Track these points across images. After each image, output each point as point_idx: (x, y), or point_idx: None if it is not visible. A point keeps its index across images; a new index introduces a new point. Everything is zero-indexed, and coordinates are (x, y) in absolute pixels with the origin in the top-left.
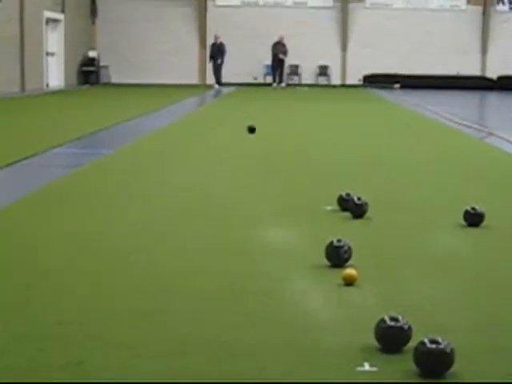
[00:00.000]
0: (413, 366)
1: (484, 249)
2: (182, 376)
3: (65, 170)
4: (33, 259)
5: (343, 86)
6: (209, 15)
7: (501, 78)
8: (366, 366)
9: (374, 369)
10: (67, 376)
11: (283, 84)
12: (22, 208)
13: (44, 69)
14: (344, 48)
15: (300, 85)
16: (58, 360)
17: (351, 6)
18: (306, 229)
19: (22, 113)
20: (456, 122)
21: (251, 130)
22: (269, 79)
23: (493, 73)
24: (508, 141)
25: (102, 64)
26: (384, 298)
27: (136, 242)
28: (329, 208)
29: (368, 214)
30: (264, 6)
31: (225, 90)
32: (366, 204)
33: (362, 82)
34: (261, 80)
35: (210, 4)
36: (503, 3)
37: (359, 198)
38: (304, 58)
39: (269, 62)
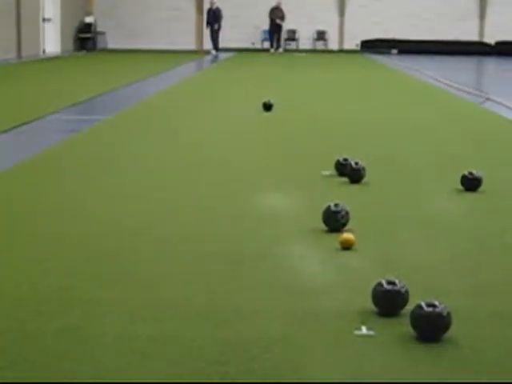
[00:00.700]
0: (410, 329)
1: (481, 213)
2: (178, 341)
3: (63, 135)
4: (31, 224)
5: (341, 51)
6: None
7: (499, 44)
8: (364, 330)
9: (371, 332)
10: (66, 339)
11: (281, 49)
12: (20, 173)
13: (40, 35)
14: (342, 13)
15: (298, 50)
16: (56, 324)
17: None
18: (303, 194)
19: (19, 79)
20: (454, 88)
21: (267, 107)
22: (266, 45)
23: (491, 38)
24: (505, 106)
25: (98, 30)
26: (381, 261)
27: (133, 207)
28: (326, 173)
29: (365, 179)
30: None
31: (222, 55)
32: (363, 169)
33: (359, 48)
34: (258, 45)
35: None
36: None
37: (356, 163)
38: (301, 23)
39: (266, 27)
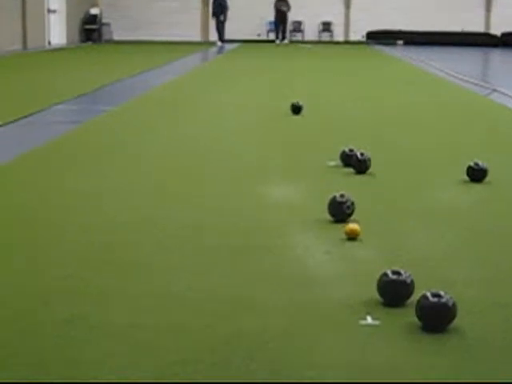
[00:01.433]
0: (415, 320)
1: (487, 204)
2: (183, 330)
3: (68, 126)
4: (34, 214)
5: (346, 42)
6: None
7: (505, 35)
8: (369, 320)
9: (377, 322)
10: (71, 330)
11: (286, 41)
12: (25, 164)
13: (46, 26)
14: (347, 4)
15: (303, 42)
16: (62, 314)
17: None
18: (309, 184)
19: (25, 70)
20: (460, 79)
21: (296, 109)
22: (272, 36)
23: (497, 29)
24: None
25: (103, 21)
26: (387, 252)
27: (138, 198)
28: (332, 163)
29: (371, 170)
30: None
31: (228, 46)
32: (368, 159)
33: (365, 39)
34: (264, 37)
35: None
36: None
37: (362, 154)
38: (307, 14)
39: (272, 18)
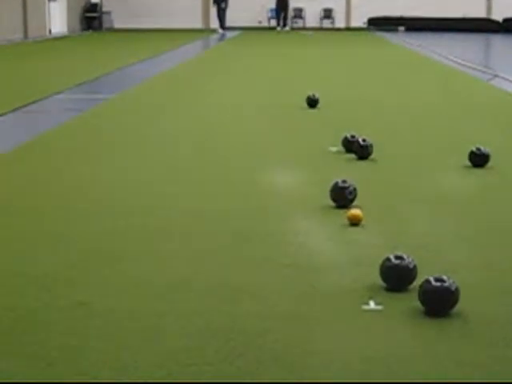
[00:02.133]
0: (418, 304)
1: (489, 189)
2: (187, 316)
3: (69, 115)
4: (36, 203)
5: (348, 29)
6: None
7: (506, 21)
8: (372, 305)
9: (380, 307)
10: (75, 316)
11: (287, 28)
12: (25, 153)
13: (46, 15)
14: None
15: (304, 28)
16: (64, 301)
17: None
18: (311, 170)
19: (25, 59)
20: (461, 64)
21: (312, 102)
22: (273, 23)
23: (498, 15)
24: None
25: (104, 9)
26: (389, 237)
27: (141, 186)
28: (334, 149)
29: (373, 156)
30: None
31: (229, 34)
32: (370, 145)
33: (366, 25)
34: (265, 24)
35: None
36: None
37: (364, 140)
38: (308, 1)
39: (273, 5)
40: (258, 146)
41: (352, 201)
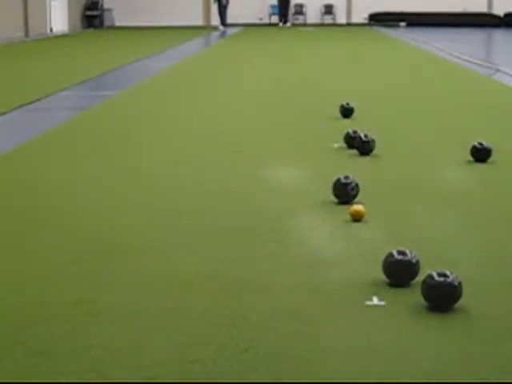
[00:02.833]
0: (421, 299)
1: (492, 183)
2: (190, 312)
3: (72, 112)
4: (43, 199)
5: (349, 24)
6: None
7: (508, 15)
8: (375, 300)
9: (383, 303)
10: (79, 313)
11: (288, 24)
12: (30, 150)
13: (48, 13)
14: None
15: (305, 25)
16: (69, 297)
17: None
18: (313, 166)
19: (27, 58)
20: (463, 59)
21: (346, 111)
22: (274, 19)
23: (499, 10)
24: None
25: (105, 7)
26: (392, 232)
27: (145, 182)
28: (336, 145)
29: (375, 151)
30: None
31: (230, 31)
32: (372, 141)
33: (367, 21)
34: (266, 20)
35: None
36: None
37: (366, 135)
38: None
39: (274, 1)
40: (261, 142)
41: (354, 197)
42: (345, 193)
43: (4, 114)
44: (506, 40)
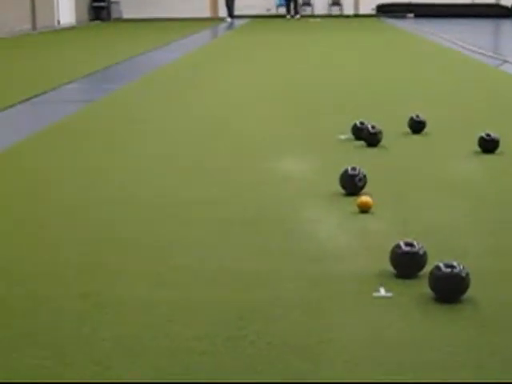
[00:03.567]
0: (428, 291)
1: (499, 175)
2: (197, 305)
3: (79, 105)
4: (50, 192)
5: (356, 16)
6: None
7: None
8: (382, 292)
9: (390, 294)
10: (86, 305)
11: (298, 16)
12: (38, 143)
13: (55, 5)
14: None
15: (313, 16)
16: (76, 290)
17: None
18: (321, 158)
19: (34, 50)
20: (471, 50)
21: (417, 125)
22: (281, 11)
23: (508, 1)
24: None
25: None
26: (399, 224)
27: (151, 175)
28: (343, 137)
29: (382, 143)
30: None
31: (237, 22)
32: (380, 132)
33: (375, 12)
34: (273, 12)
35: None
36: None
37: (373, 127)
38: None
39: None
40: (269, 134)
41: (362, 188)
42: (352, 184)
43: (11, 106)
44: None
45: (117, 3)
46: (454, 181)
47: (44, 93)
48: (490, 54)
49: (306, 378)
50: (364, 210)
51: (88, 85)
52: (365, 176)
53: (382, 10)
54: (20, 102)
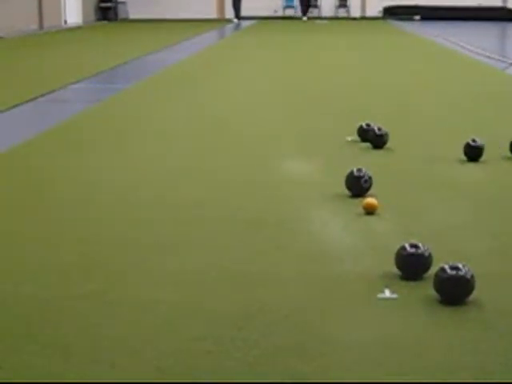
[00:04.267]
0: (433, 293)
1: (505, 177)
2: (200, 306)
3: (86, 105)
4: (55, 191)
5: (363, 18)
6: None
7: None
8: (387, 293)
9: (395, 295)
10: (91, 304)
11: (305, 18)
12: (44, 143)
13: (62, 6)
14: None
15: (320, 18)
16: (80, 289)
17: None
18: (327, 159)
19: (41, 50)
20: (477, 53)
21: (475, 152)
22: (288, 12)
23: None
24: None
25: (119, 0)
26: (404, 225)
27: (155, 175)
28: (349, 139)
29: (388, 145)
30: None
31: (244, 24)
32: (386, 134)
33: (382, 14)
34: (280, 13)
35: None
36: None
37: (380, 129)
38: None
39: None
40: (274, 135)
41: (367, 189)
42: (358, 185)
43: (17, 105)
44: None
45: (123, 3)
46: (459, 183)
47: (51, 92)
48: (497, 56)
49: (308, 379)
50: (369, 211)
51: (95, 85)
52: (370, 178)
53: (389, 13)
54: (27, 102)
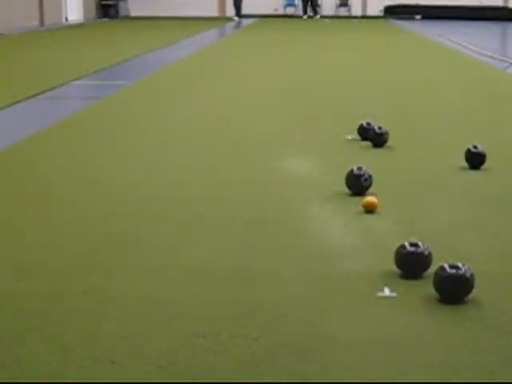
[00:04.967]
0: (433, 291)
1: (506, 178)
2: (201, 302)
3: (86, 102)
4: (55, 188)
5: (364, 17)
6: None
7: None
8: (386, 292)
9: (394, 294)
10: (91, 300)
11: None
12: (44, 139)
13: (63, 3)
14: None
15: (321, 16)
16: (81, 286)
17: None
18: (327, 158)
19: (42, 47)
20: (478, 53)
21: (476, 158)
22: (289, 11)
23: None
24: None
25: None
26: (404, 224)
27: (157, 172)
28: (349, 137)
29: (388, 144)
30: None
31: (245, 22)
32: (386, 133)
33: (383, 13)
34: (281, 11)
35: None
36: None
37: (380, 127)
38: None
39: None
40: (275, 133)
41: (367, 188)
42: (358, 184)
43: (19, 102)
44: None
45: (124, 1)
46: (459, 182)
47: (51, 89)
48: (497, 56)
49: (308, 377)
50: (369, 210)
51: (95, 82)
52: (370, 176)
53: (390, 12)
54: (28, 98)
